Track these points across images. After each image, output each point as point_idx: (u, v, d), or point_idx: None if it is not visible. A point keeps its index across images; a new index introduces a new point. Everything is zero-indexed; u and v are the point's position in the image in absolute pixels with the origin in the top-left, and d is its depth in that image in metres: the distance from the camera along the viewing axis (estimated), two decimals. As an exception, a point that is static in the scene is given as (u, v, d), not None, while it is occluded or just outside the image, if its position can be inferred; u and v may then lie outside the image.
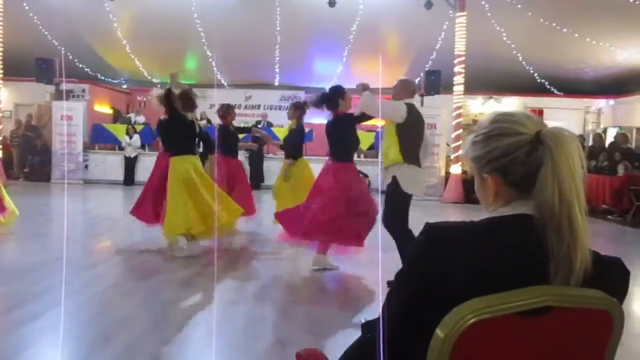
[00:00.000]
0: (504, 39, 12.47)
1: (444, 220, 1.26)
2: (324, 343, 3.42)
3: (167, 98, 5.55)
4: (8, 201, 6.03)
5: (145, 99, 16.67)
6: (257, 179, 13.09)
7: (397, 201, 4.70)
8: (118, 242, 6.07)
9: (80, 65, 14.63)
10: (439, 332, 1.01)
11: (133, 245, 6.02)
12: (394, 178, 4.64)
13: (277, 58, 14.47)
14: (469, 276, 1.11)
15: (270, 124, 14.42)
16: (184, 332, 3.53)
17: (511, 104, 14.58)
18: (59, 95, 13.85)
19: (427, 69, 13.16)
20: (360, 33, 12.73)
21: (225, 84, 16.25)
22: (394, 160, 4.67)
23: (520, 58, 13.37)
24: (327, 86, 15.45)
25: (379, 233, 5.41)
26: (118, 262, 5.44)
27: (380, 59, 12.16)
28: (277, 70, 15.34)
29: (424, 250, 1.21)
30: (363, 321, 1.48)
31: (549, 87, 14.91)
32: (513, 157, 1.19)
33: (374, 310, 3.91)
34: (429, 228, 1.24)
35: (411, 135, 4.70)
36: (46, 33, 12.82)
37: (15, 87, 13.99)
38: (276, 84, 16.59)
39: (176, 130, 5.62)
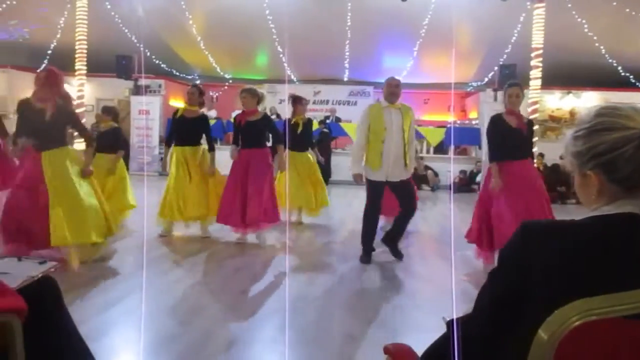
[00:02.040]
0: (585, 30, 11.88)
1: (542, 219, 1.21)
2: (395, 339, 3.39)
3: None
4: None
5: (218, 94, 17.13)
6: (326, 174, 13.11)
7: None
8: (191, 232, 6.27)
9: (157, 62, 15.19)
10: (542, 333, 0.97)
11: (208, 237, 6.21)
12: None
13: (347, 53, 14.45)
14: (566, 276, 1.07)
15: (338, 119, 14.44)
16: (257, 322, 3.59)
17: (591, 99, 13.88)
18: (137, 91, 14.47)
19: (501, 62, 12.75)
20: (432, 27, 12.49)
21: (295, 80, 16.42)
22: None
23: (603, 51, 12.70)
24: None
25: (452, 230, 5.32)
26: (192, 251, 5.60)
27: (453, 53, 11.89)
28: (346, 65, 15.33)
29: (517, 247, 1.17)
30: (447, 319, 1.46)
31: (633, 81, 14.09)
32: (620, 152, 1.12)
33: (445, 308, 3.83)
34: (524, 225, 1.20)
35: None
36: (126, 31, 13.38)
37: (97, 83, 14.69)
38: (345, 79, 16.58)
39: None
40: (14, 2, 12.16)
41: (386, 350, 1.34)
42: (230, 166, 5.99)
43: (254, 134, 5.90)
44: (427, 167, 12.76)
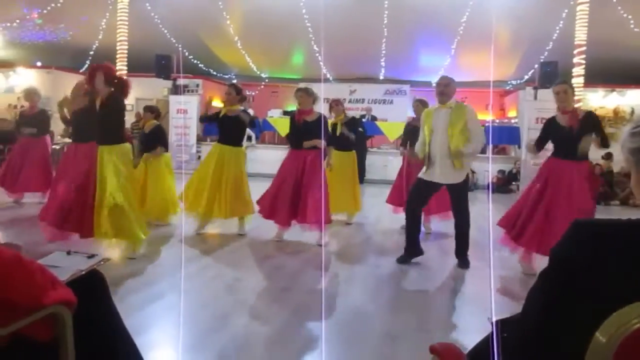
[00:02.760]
0: (631, 26, 11.51)
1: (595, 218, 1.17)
2: (435, 339, 3.35)
3: None
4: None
5: (254, 93, 17.28)
6: (361, 173, 12.98)
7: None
8: (231, 229, 6.35)
9: (195, 61, 15.40)
10: (599, 336, 0.94)
11: (246, 235, 6.27)
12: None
13: (383, 52, 14.36)
14: (623, 277, 1.03)
15: (374, 118, 14.37)
16: (295, 320, 3.60)
17: (636, 97, 13.45)
18: (175, 90, 14.71)
19: (542, 59, 12.46)
20: (470, 24, 12.29)
21: (331, 78, 16.42)
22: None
23: (650, 47, 12.29)
24: (433, 79, 15.17)
25: (490, 230, 5.24)
26: (231, 249, 5.67)
27: (492, 50, 11.68)
28: (382, 64, 15.24)
29: (569, 246, 1.14)
30: (494, 320, 1.43)
31: (681, 78, 13.60)
32: None
33: (485, 309, 3.76)
34: (576, 224, 1.16)
35: None
36: (165, 31, 13.60)
37: (136, 83, 14.88)
38: (381, 77, 16.49)
39: None
40: (59, 5, 12.50)
41: (433, 349, 1.32)
42: (282, 164, 6.07)
43: (310, 134, 5.86)
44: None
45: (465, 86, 15.54)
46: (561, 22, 11.76)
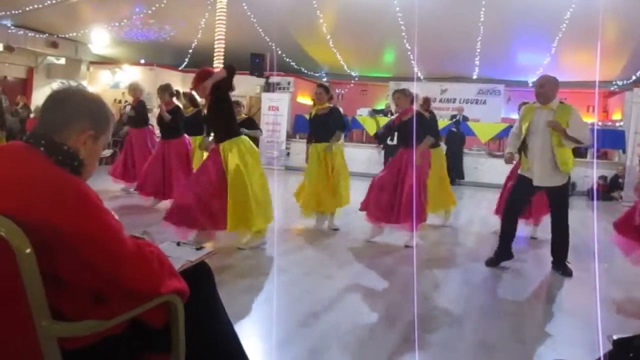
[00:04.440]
0: None
1: None
2: (535, 350, 3.20)
3: None
4: None
5: (343, 91, 17.35)
6: (456, 174, 12.53)
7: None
8: (319, 226, 6.40)
9: (287, 60, 15.66)
10: None
11: (338, 232, 6.29)
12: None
13: (478, 50, 13.91)
14: None
15: (465, 118, 13.98)
16: (386, 320, 3.57)
17: None
18: (268, 88, 15.06)
19: (653, 58, 11.58)
20: (574, 21, 11.63)
21: (421, 77, 16.14)
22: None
23: None
24: (530, 79, 14.53)
25: (595, 241, 4.94)
26: (323, 246, 5.69)
27: (598, 48, 10.97)
28: (476, 62, 14.76)
29: None
30: (616, 338, 1.33)
31: None
32: None
33: (584, 323, 3.53)
34: None
35: None
36: (260, 30, 13.93)
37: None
38: (474, 77, 15.99)
39: None
40: (162, 5, 13.14)
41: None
42: (387, 162, 6.16)
43: (407, 132, 5.74)
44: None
45: (566, 87, 14.74)
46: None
